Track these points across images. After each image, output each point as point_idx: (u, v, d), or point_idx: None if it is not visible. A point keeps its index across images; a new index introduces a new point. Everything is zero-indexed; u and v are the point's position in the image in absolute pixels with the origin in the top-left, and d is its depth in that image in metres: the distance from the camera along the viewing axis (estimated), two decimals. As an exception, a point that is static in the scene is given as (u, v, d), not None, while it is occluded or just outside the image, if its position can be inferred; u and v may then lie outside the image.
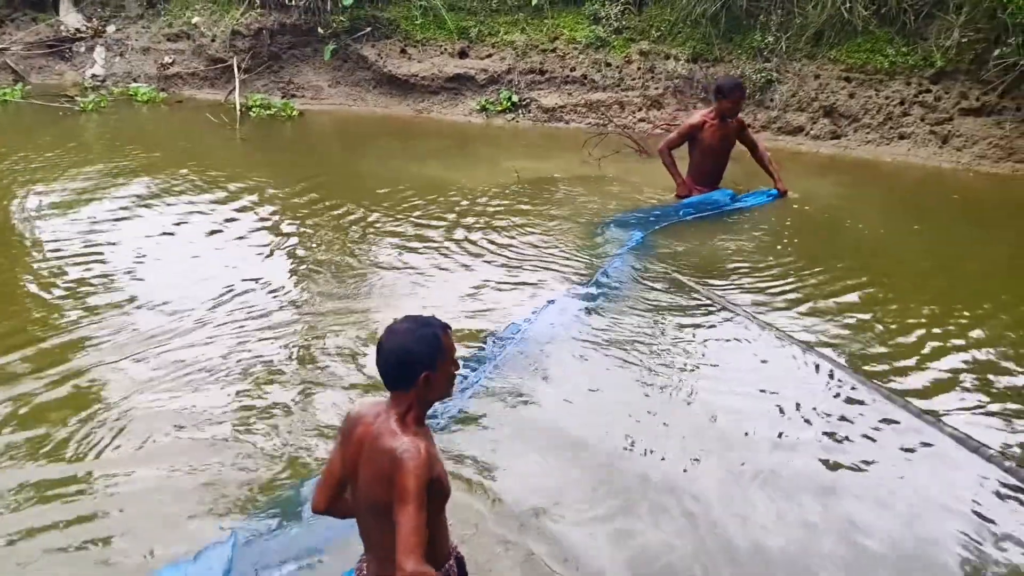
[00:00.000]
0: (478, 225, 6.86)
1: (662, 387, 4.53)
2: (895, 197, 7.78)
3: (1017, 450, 4.01)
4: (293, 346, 4.92)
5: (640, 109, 9.91)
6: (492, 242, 6.50)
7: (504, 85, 10.56)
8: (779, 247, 6.50)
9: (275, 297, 5.56)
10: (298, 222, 7.04)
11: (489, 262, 6.14)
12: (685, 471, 3.85)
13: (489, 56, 10.73)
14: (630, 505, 3.63)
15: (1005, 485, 3.76)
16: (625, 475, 3.83)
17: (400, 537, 2.30)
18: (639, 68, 10.03)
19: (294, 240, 6.64)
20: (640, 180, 8.09)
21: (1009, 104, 8.30)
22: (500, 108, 10.43)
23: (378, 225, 6.90)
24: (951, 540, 3.46)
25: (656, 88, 9.89)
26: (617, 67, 10.12)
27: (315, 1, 10.98)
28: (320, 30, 11.11)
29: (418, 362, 2.46)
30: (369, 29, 11.05)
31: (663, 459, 3.93)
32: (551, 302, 5.37)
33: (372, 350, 4.68)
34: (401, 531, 2.31)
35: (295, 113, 10.67)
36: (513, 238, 6.59)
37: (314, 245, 6.53)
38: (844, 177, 7.32)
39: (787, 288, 5.74)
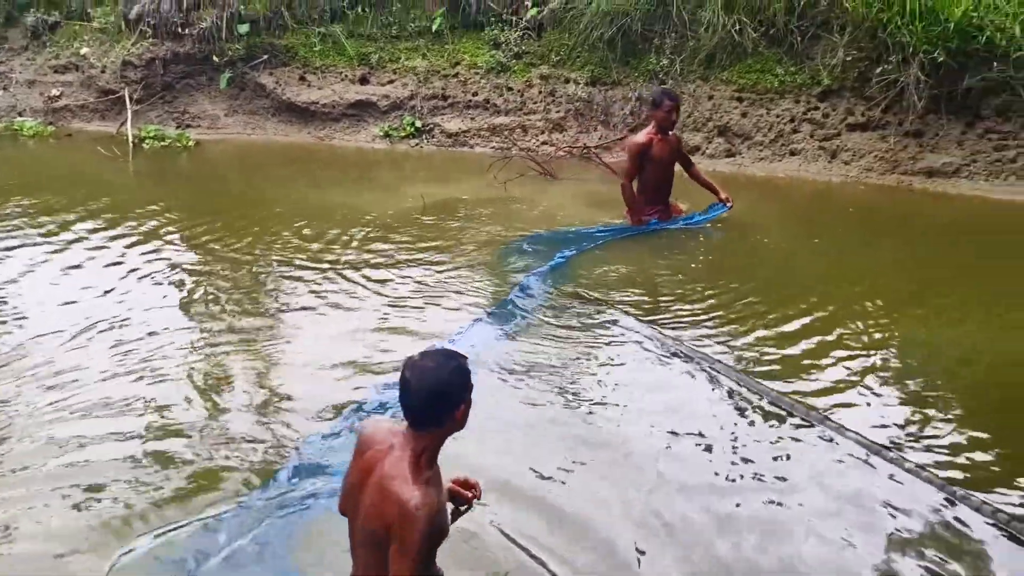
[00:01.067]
0: (385, 252, 6.77)
1: (573, 412, 4.46)
2: (793, 212, 8.03)
3: (912, 445, 4.14)
4: (190, 378, 4.71)
5: (543, 132, 10.01)
6: (400, 269, 6.41)
7: (407, 111, 10.54)
8: (693, 265, 6.60)
9: (172, 331, 5.33)
10: (194, 253, 6.81)
11: (397, 289, 6.03)
12: (598, 497, 3.77)
13: (391, 82, 10.69)
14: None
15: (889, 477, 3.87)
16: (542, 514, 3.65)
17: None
18: (540, 92, 10.15)
19: (190, 272, 6.40)
20: (547, 203, 8.16)
21: (892, 119, 8.69)
22: (404, 134, 10.39)
23: (278, 255, 6.72)
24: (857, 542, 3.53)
25: (557, 111, 10.01)
26: (519, 91, 10.22)
27: (209, 30, 10.75)
28: (215, 58, 10.90)
29: (456, 397, 2.44)
30: (266, 57, 10.88)
31: (575, 491, 3.82)
32: (462, 330, 5.30)
33: (275, 382, 4.65)
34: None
35: (191, 143, 10.40)
36: (421, 264, 6.51)
37: (212, 278, 6.31)
38: (743, 194, 7.52)
39: (697, 306, 5.79)
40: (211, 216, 7.68)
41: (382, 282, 6.15)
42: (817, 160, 8.93)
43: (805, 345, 5.22)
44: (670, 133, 6.97)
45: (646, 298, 5.96)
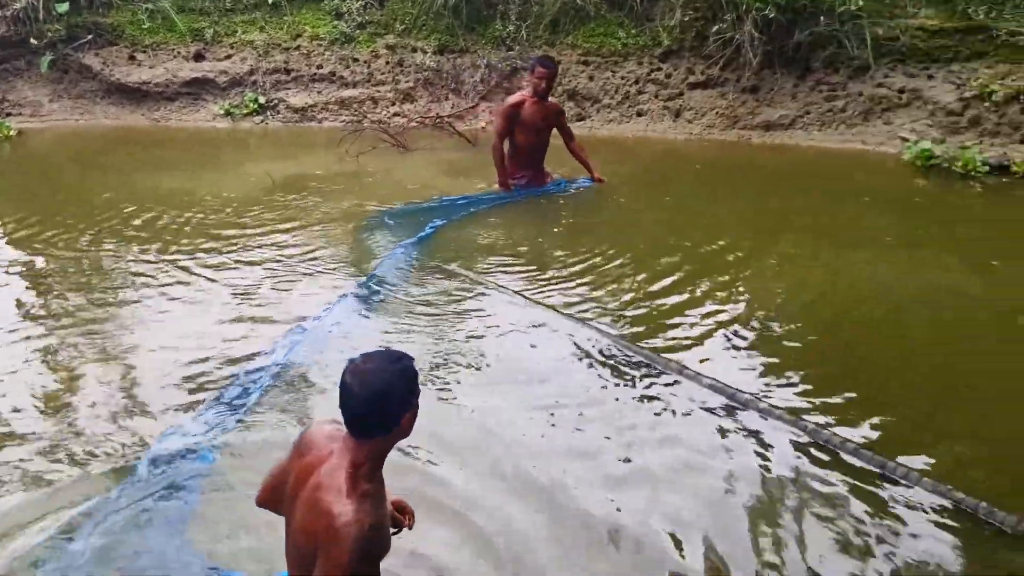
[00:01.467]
0: (232, 235, 6.47)
1: (441, 386, 4.42)
2: (644, 172, 8.15)
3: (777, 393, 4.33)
4: (31, 383, 4.37)
5: (393, 103, 9.83)
6: (251, 252, 6.15)
7: (248, 87, 10.11)
8: (555, 231, 6.64)
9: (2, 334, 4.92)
10: (21, 251, 6.28)
11: (248, 275, 5.77)
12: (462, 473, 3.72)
13: (228, 57, 10.21)
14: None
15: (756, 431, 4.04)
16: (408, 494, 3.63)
17: None
18: (387, 63, 9.95)
19: (19, 272, 5.91)
20: (403, 174, 8.03)
21: (730, 76, 9.02)
22: (246, 111, 9.97)
23: (114, 249, 6.27)
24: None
25: (406, 81, 9.85)
26: (365, 62, 9.98)
27: (24, 10, 9.93)
28: (33, 40, 10.08)
29: (402, 402, 2.25)
30: (91, 36, 10.17)
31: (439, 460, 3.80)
32: (327, 308, 5.14)
33: (124, 381, 4.37)
34: None
35: (11, 133, 9.60)
36: (275, 247, 6.26)
37: (45, 277, 5.83)
38: (596, 157, 7.63)
39: (562, 271, 5.82)
40: (38, 210, 7.12)
41: (232, 267, 5.88)
42: (663, 119, 9.17)
43: (670, 301, 5.35)
44: (549, 100, 6.98)
45: (511, 266, 5.95)
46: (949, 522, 3.38)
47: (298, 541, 2.32)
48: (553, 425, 4.05)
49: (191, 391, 4.28)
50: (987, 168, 7.54)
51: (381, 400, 2.20)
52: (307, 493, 2.26)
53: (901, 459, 3.70)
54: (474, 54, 9.76)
